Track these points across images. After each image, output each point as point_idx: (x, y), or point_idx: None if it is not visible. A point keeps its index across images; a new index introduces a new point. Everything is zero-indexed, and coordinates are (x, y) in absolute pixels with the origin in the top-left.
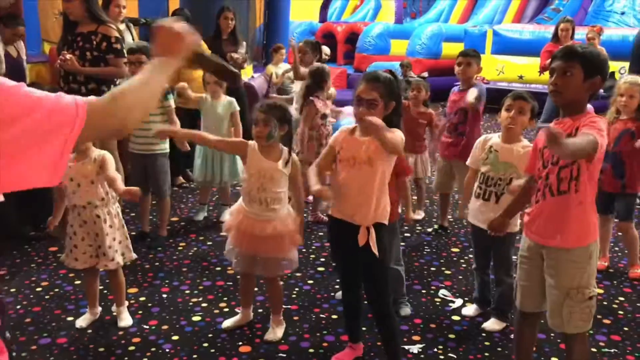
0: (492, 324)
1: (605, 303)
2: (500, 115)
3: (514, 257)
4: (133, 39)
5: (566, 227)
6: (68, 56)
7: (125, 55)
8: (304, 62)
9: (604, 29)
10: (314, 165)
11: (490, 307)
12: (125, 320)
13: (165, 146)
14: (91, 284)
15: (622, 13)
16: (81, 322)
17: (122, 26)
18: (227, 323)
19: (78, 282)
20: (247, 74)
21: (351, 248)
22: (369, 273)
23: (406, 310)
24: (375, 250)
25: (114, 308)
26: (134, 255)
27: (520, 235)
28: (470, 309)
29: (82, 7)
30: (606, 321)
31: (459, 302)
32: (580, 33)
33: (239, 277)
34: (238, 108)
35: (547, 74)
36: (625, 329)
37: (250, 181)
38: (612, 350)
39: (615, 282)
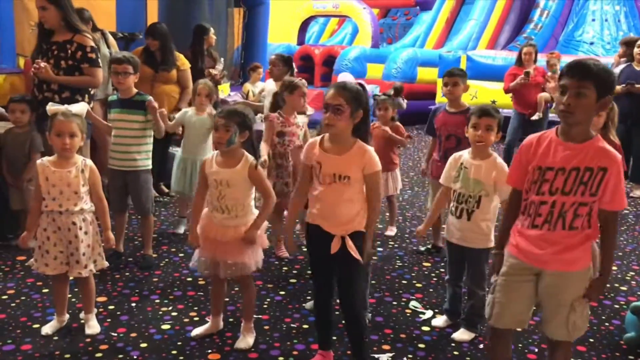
0: (461, 334)
1: None
2: (467, 131)
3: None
4: (109, 48)
5: (574, 256)
6: (42, 64)
7: (100, 65)
8: (273, 75)
9: (574, 57)
10: (292, 200)
11: (460, 318)
12: (93, 327)
13: (148, 162)
14: (60, 290)
15: (591, 43)
16: (47, 329)
17: (97, 35)
18: (197, 331)
19: (45, 290)
20: (224, 91)
21: (328, 253)
22: (344, 277)
23: (367, 316)
24: (356, 255)
25: (82, 315)
26: (106, 263)
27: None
28: (440, 320)
29: (58, 16)
30: None
31: (429, 313)
32: (542, 60)
33: (210, 287)
34: None
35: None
36: (591, 340)
37: (211, 191)
38: None
39: None
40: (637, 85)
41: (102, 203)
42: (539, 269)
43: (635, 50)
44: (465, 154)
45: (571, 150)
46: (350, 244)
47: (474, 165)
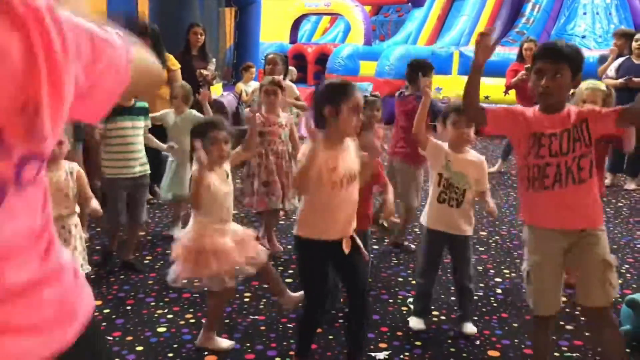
0: (471, 329)
1: (567, 310)
2: (445, 128)
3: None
4: None
5: (591, 209)
6: None
7: None
8: (274, 74)
9: None
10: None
11: (458, 315)
12: None
13: (146, 167)
14: None
15: (583, 37)
16: None
17: None
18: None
19: None
20: (217, 91)
21: (331, 262)
22: (360, 281)
23: None
24: (365, 255)
25: None
26: (89, 268)
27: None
28: (416, 321)
29: None
30: (569, 327)
31: None
32: None
33: (206, 289)
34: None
35: (512, 93)
36: (587, 334)
37: (217, 208)
38: (575, 355)
39: None
40: (635, 79)
41: (90, 199)
42: (566, 240)
43: (634, 44)
44: (446, 147)
45: (556, 119)
46: (359, 242)
47: (456, 157)
